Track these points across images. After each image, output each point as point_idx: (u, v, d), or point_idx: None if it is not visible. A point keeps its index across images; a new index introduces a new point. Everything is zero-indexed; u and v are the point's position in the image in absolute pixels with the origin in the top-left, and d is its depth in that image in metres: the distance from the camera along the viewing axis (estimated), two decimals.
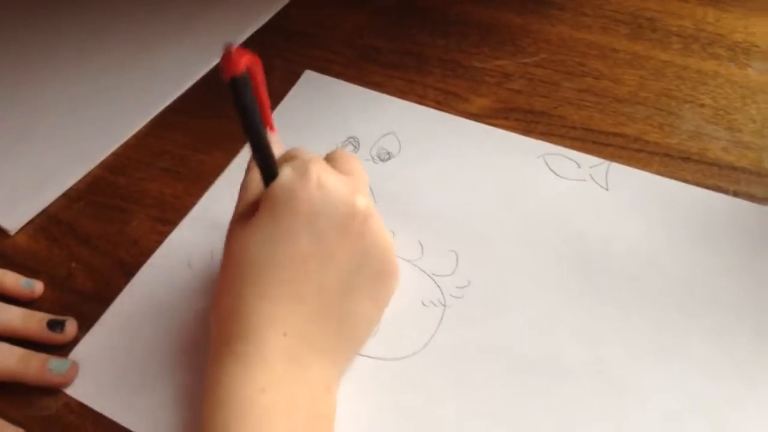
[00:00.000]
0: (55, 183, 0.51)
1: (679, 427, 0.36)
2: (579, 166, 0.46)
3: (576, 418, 0.36)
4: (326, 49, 0.58)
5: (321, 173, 0.36)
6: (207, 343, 0.41)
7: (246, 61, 0.33)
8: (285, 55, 0.58)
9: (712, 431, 0.35)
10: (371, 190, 0.47)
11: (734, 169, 0.45)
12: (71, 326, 0.43)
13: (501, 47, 0.55)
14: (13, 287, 0.45)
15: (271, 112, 0.36)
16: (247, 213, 0.38)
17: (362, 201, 0.37)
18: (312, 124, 0.52)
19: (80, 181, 0.51)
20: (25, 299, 0.45)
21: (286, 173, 0.36)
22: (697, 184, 0.44)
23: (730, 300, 0.39)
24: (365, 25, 0.59)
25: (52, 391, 0.41)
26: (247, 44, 0.59)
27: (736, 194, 0.44)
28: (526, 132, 0.49)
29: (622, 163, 0.46)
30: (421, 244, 0.44)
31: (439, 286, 0.42)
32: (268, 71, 0.55)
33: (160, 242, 0.47)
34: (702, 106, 0.48)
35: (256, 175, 0.38)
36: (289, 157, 0.38)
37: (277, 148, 0.38)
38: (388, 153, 0.49)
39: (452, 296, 0.42)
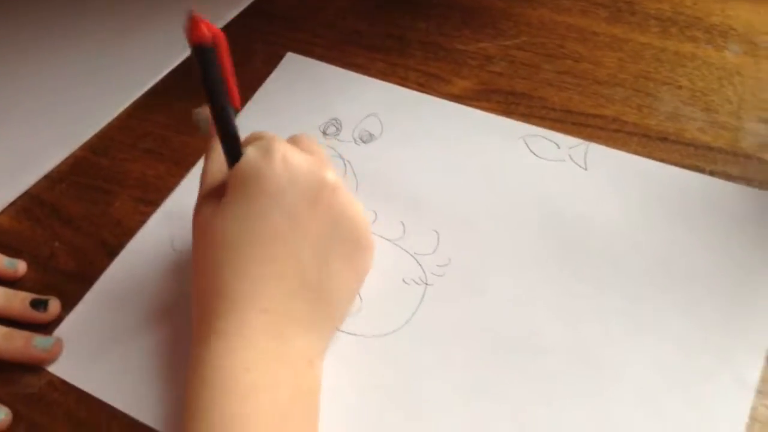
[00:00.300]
0: (37, 164, 0.51)
1: (654, 401, 0.36)
2: (558, 147, 0.47)
3: (554, 393, 0.37)
4: (309, 32, 0.58)
5: (285, 151, 0.37)
6: (189, 322, 0.41)
7: (211, 32, 0.33)
8: (268, 38, 0.58)
9: (686, 404, 0.36)
10: (353, 171, 0.48)
11: (710, 149, 0.46)
12: (54, 305, 0.43)
13: (482, 30, 0.55)
14: None
15: (238, 90, 0.36)
16: (213, 195, 0.38)
17: (329, 173, 0.37)
18: (294, 105, 0.52)
19: (63, 162, 0.51)
20: (7, 279, 0.45)
21: (250, 153, 0.37)
22: (675, 163, 0.45)
23: (704, 276, 0.40)
24: (348, 8, 0.59)
25: (35, 369, 0.41)
26: (230, 27, 0.59)
27: (712, 173, 0.44)
28: (507, 113, 0.49)
29: (601, 143, 0.46)
30: (402, 224, 0.45)
31: (420, 265, 0.43)
32: (251, 54, 0.56)
33: (142, 222, 0.47)
34: (679, 87, 0.49)
35: (219, 158, 0.38)
36: (252, 139, 0.38)
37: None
38: (371, 134, 0.50)
39: (433, 274, 0.42)
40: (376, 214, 0.45)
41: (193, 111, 0.39)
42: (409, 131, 0.49)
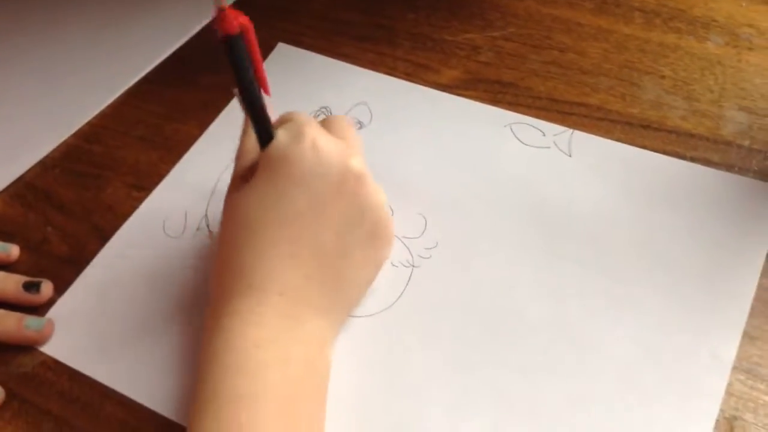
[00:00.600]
0: (30, 151, 0.52)
1: (633, 376, 0.37)
2: (543, 134, 0.48)
3: (536, 368, 0.38)
4: (299, 23, 0.59)
5: (315, 135, 0.37)
6: (180, 303, 0.42)
7: (240, 22, 0.34)
8: (259, 28, 0.58)
9: (665, 380, 0.37)
10: None
11: (692, 136, 0.47)
12: (47, 288, 0.44)
13: (470, 21, 0.56)
14: None
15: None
16: (244, 175, 0.39)
17: (356, 162, 0.37)
18: (284, 94, 0.53)
19: (56, 149, 0.52)
20: (1, 263, 0.46)
21: (281, 136, 0.37)
22: (657, 150, 0.46)
23: (684, 258, 0.41)
24: None
25: (29, 349, 0.42)
26: None
27: (693, 160, 0.45)
28: (494, 102, 0.50)
29: (585, 131, 0.47)
30: (391, 209, 0.45)
31: (408, 248, 0.44)
32: None
33: (134, 208, 0.48)
34: (662, 77, 0.50)
35: (252, 139, 0.39)
36: (284, 121, 0.39)
37: (271, 113, 0.39)
38: (360, 122, 0.51)
39: (420, 257, 0.43)
40: None
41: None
42: (398, 119, 0.50)
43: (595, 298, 0.40)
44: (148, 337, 0.42)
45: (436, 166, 0.47)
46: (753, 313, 0.39)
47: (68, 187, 0.50)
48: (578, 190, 0.45)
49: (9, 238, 0.47)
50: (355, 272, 0.39)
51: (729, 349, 0.38)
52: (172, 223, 0.47)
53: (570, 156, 0.46)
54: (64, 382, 0.41)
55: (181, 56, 0.57)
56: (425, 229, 0.44)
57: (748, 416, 0.36)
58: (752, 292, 0.39)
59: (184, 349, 0.41)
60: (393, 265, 0.43)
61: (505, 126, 0.49)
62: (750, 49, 0.51)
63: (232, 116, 0.52)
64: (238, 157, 0.40)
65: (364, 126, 0.50)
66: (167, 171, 0.50)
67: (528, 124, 0.48)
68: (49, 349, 0.42)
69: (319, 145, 0.37)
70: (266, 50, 0.56)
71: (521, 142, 0.48)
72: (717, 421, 0.36)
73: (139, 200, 0.48)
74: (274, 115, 0.40)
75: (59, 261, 0.46)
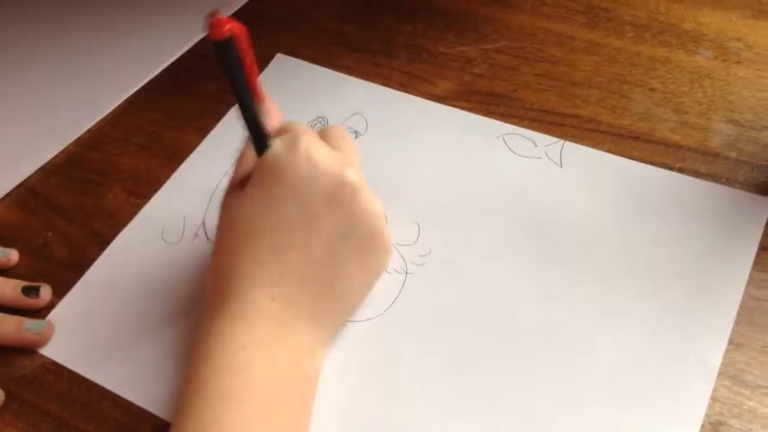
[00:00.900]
0: (32, 158, 0.53)
1: (620, 380, 0.38)
2: (535, 145, 0.49)
3: (527, 372, 0.39)
4: (298, 34, 0.60)
5: (310, 145, 0.38)
6: (177, 308, 0.43)
7: (232, 28, 0.34)
8: (258, 39, 0.59)
9: (652, 384, 0.38)
10: None
11: (680, 147, 0.48)
12: (46, 291, 0.45)
13: (465, 34, 0.57)
14: None
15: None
16: (241, 182, 0.39)
17: (351, 173, 0.38)
18: (282, 103, 0.53)
19: (57, 156, 0.53)
20: (1, 267, 0.47)
21: (276, 146, 0.38)
22: (646, 161, 0.47)
23: (672, 265, 0.42)
24: (336, 11, 0.61)
25: (28, 352, 0.43)
26: None
27: (681, 171, 0.46)
28: (487, 113, 0.51)
29: (576, 142, 0.48)
30: (385, 217, 0.46)
31: (402, 255, 0.45)
32: None
33: (134, 214, 0.49)
34: (652, 89, 0.51)
35: (252, 149, 0.39)
36: (282, 131, 0.40)
37: (274, 118, 0.40)
38: (356, 132, 0.52)
39: (414, 264, 0.44)
40: None
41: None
42: (393, 129, 0.51)
43: (584, 305, 0.41)
44: (145, 340, 0.43)
45: (429, 175, 0.48)
46: (739, 320, 0.40)
47: (69, 193, 0.51)
48: (568, 199, 0.46)
49: (10, 242, 0.48)
50: (347, 282, 0.40)
51: (715, 355, 0.38)
52: (171, 230, 0.48)
53: (561, 166, 0.47)
54: (63, 384, 0.42)
55: (181, 66, 0.59)
56: (419, 236, 0.45)
57: (733, 421, 0.37)
58: (738, 300, 0.40)
59: (180, 353, 0.42)
60: (387, 272, 0.44)
61: (497, 136, 0.50)
62: (738, 62, 0.52)
63: (231, 125, 0.53)
64: (239, 162, 0.41)
65: (360, 135, 0.51)
66: (166, 178, 0.51)
67: (520, 135, 0.49)
68: (48, 351, 0.43)
69: (313, 155, 0.38)
70: (265, 61, 0.57)
71: (513, 152, 0.49)
72: (702, 426, 0.36)
73: (138, 207, 0.49)
74: (275, 118, 0.40)
75: (59, 265, 0.47)
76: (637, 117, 0.50)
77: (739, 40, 0.53)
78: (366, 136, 0.51)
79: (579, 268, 0.43)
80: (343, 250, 0.39)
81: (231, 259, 0.38)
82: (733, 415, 0.37)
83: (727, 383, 0.38)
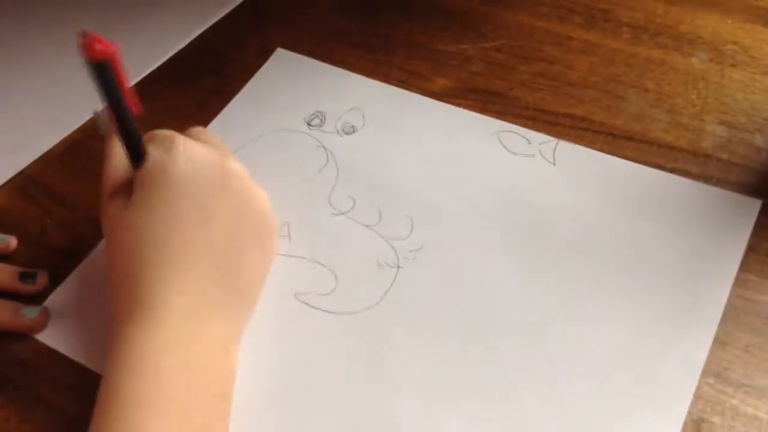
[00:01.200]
0: (32, 146, 0.53)
1: (606, 377, 0.39)
2: (529, 143, 0.49)
3: (514, 367, 0.40)
4: (299, 30, 0.60)
5: (186, 145, 0.39)
6: None
7: (103, 47, 0.35)
8: (260, 33, 0.60)
9: (637, 381, 0.38)
10: (335, 161, 0.50)
11: (672, 148, 0.48)
12: (42, 278, 0.45)
13: (464, 32, 0.58)
14: None
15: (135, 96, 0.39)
16: (119, 192, 0.40)
17: (233, 163, 0.40)
18: (280, 98, 0.55)
19: (57, 144, 0.54)
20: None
21: (154, 152, 0.39)
22: (638, 161, 0.47)
23: (660, 265, 0.42)
24: (337, 8, 0.62)
25: (24, 337, 0.43)
26: (224, 21, 0.62)
27: (673, 171, 0.47)
28: (483, 111, 0.52)
29: (570, 141, 0.49)
30: (379, 211, 0.47)
31: (394, 249, 0.45)
32: (243, 49, 0.58)
33: None
34: (646, 90, 0.52)
35: (119, 159, 0.41)
36: (150, 138, 0.41)
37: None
38: (353, 127, 0.52)
39: (406, 258, 0.45)
40: (354, 201, 0.47)
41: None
42: (390, 124, 0.52)
43: (571, 301, 0.42)
44: None
45: (424, 170, 0.49)
46: (725, 319, 0.40)
47: (69, 181, 0.51)
48: (560, 197, 0.46)
49: (9, 229, 0.49)
50: (250, 269, 0.40)
51: (700, 353, 0.39)
52: None
53: (554, 164, 0.48)
54: (57, 369, 0.42)
55: (181, 59, 0.59)
56: (411, 231, 0.46)
57: (716, 419, 0.37)
58: (724, 300, 0.41)
59: None
60: (379, 266, 0.44)
61: (492, 134, 0.50)
62: (733, 65, 0.52)
63: (229, 118, 0.54)
64: (107, 175, 0.41)
65: (357, 130, 0.52)
66: None
67: (514, 133, 0.50)
68: (43, 337, 0.44)
69: (193, 153, 0.39)
70: (266, 55, 0.58)
71: (507, 149, 0.49)
72: (685, 423, 0.37)
73: None
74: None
75: (57, 253, 0.48)
76: (630, 117, 0.50)
77: (734, 43, 0.54)
78: (362, 131, 0.52)
79: (568, 265, 0.43)
80: (241, 236, 0.40)
81: (131, 266, 0.38)
82: (716, 412, 0.37)
83: (711, 381, 0.38)
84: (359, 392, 0.39)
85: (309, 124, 0.53)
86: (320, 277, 0.44)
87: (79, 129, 0.55)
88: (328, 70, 0.56)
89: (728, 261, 0.42)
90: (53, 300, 0.45)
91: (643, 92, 0.51)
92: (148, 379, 0.34)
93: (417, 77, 0.55)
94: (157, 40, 0.60)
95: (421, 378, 0.40)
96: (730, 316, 0.40)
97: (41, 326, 0.44)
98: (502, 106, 0.52)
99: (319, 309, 0.43)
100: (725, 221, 0.44)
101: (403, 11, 0.60)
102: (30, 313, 0.43)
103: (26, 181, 0.52)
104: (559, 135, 0.49)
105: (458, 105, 0.52)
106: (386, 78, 0.55)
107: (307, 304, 0.43)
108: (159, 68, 0.58)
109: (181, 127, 0.53)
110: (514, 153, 0.49)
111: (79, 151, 0.53)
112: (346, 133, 0.52)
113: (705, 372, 0.38)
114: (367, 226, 0.46)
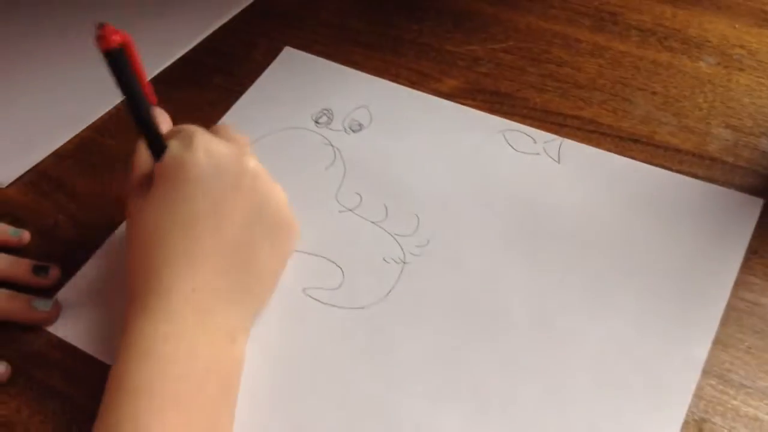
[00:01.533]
0: (46, 142, 0.54)
1: (607, 374, 0.39)
2: (534, 141, 0.50)
3: (517, 362, 0.40)
4: (309, 30, 0.61)
5: (206, 141, 0.40)
6: None
7: (119, 38, 0.36)
8: (269, 33, 0.61)
9: (638, 380, 0.39)
10: (342, 158, 0.51)
11: (678, 151, 0.48)
12: (54, 271, 0.46)
13: (473, 33, 0.58)
14: (2, 236, 0.48)
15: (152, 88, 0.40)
16: (142, 186, 0.41)
17: (250, 161, 0.40)
18: (288, 96, 0.55)
19: (70, 141, 0.54)
20: (13, 247, 0.48)
21: (173, 146, 0.40)
22: (645, 163, 0.48)
23: (663, 263, 0.43)
24: (347, 8, 0.62)
25: (36, 329, 0.44)
26: (233, 22, 0.62)
27: (679, 173, 0.47)
28: (491, 111, 0.52)
29: (577, 142, 0.49)
30: (385, 208, 0.48)
31: (400, 245, 0.46)
32: (252, 48, 0.59)
33: None
34: (654, 93, 0.52)
35: (145, 153, 0.41)
36: (174, 133, 0.41)
37: (165, 122, 0.43)
38: (360, 124, 0.53)
39: (412, 254, 0.45)
40: (361, 197, 0.48)
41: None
42: (396, 123, 0.52)
43: (575, 298, 0.42)
44: None
45: (430, 167, 0.50)
46: (726, 321, 0.40)
47: (81, 176, 0.52)
48: (564, 194, 0.47)
49: (22, 224, 0.49)
50: (263, 263, 0.41)
51: (700, 352, 0.39)
52: None
53: (558, 162, 0.48)
54: (68, 361, 0.43)
55: (191, 58, 0.60)
56: (417, 227, 0.46)
57: (717, 419, 0.38)
58: (725, 300, 0.41)
59: None
60: (385, 261, 0.45)
61: (498, 132, 0.51)
62: (741, 69, 0.53)
63: (239, 116, 0.54)
64: (133, 168, 0.42)
65: (364, 128, 0.52)
66: None
67: (520, 131, 0.50)
68: (55, 329, 0.44)
69: (211, 148, 0.39)
70: (275, 54, 0.59)
71: (513, 148, 0.50)
72: (687, 423, 0.37)
73: None
74: (166, 122, 0.43)
75: (69, 247, 0.48)
76: (637, 120, 0.50)
77: (742, 47, 0.54)
78: (369, 129, 0.52)
79: (573, 262, 0.43)
80: (254, 233, 0.40)
81: (148, 259, 0.39)
82: (718, 413, 0.38)
83: (713, 382, 0.39)
84: (364, 386, 0.40)
85: (317, 122, 0.53)
86: (327, 272, 0.45)
87: (90, 126, 0.55)
88: (335, 68, 0.57)
89: (729, 261, 0.43)
90: (65, 293, 0.46)
91: (650, 95, 0.52)
92: (151, 368, 0.35)
93: (426, 78, 0.56)
94: (167, 40, 0.61)
95: (425, 372, 0.40)
96: (734, 318, 0.41)
97: (53, 318, 0.44)
98: (510, 107, 0.52)
99: (326, 304, 0.43)
100: (728, 221, 0.44)
101: (412, 12, 0.61)
102: (42, 305, 0.44)
103: (39, 176, 0.52)
104: (566, 137, 0.50)
105: (466, 105, 0.53)
106: (395, 78, 0.56)
107: (314, 298, 0.44)
108: (169, 68, 0.59)
109: (191, 123, 0.54)
110: (520, 151, 0.49)
111: (90, 148, 0.54)
112: (354, 131, 0.52)
113: (707, 373, 0.39)
114: (373, 223, 0.47)
